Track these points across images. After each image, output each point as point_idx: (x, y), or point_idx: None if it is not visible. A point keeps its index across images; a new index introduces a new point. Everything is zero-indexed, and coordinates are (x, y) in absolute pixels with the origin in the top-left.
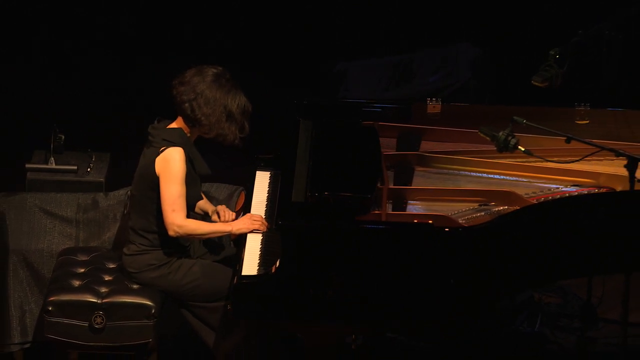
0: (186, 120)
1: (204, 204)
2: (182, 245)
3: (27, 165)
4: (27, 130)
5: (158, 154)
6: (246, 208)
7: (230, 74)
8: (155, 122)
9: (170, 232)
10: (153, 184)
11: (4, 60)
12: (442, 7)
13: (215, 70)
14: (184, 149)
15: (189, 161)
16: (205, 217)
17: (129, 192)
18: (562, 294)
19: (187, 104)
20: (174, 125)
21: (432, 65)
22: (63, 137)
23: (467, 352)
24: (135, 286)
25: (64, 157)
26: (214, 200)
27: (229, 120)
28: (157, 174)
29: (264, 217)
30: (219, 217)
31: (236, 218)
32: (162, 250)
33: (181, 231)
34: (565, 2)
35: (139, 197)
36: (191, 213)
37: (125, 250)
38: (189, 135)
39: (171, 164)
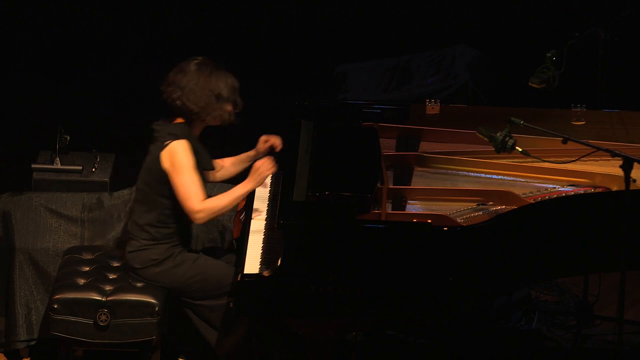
0: (183, 116)
1: (236, 161)
2: (183, 238)
3: (33, 165)
4: (33, 131)
5: (162, 148)
6: (248, 207)
7: (211, 59)
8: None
9: (195, 221)
10: (159, 177)
11: (10, 61)
12: (440, 10)
13: (194, 62)
14: (188, 140)
15: (195, 153)
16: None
17: (134, 188)
18: (558, 291)
19: (177, 101)
20: (177, 122)
21: (431, 67)
22: (68, 137)
23: (465, 349)
24: (139, 284)
25: (69, 157)
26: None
27: (220, 101)
28: (164, 168)
29: (265, 215)
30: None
31: (238, 218)
32: (163, 244)
33: (204, 214)
34: (563, 4)
35: (146, 190)
36: None
37: (128, 247)
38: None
39: (177, 156)
